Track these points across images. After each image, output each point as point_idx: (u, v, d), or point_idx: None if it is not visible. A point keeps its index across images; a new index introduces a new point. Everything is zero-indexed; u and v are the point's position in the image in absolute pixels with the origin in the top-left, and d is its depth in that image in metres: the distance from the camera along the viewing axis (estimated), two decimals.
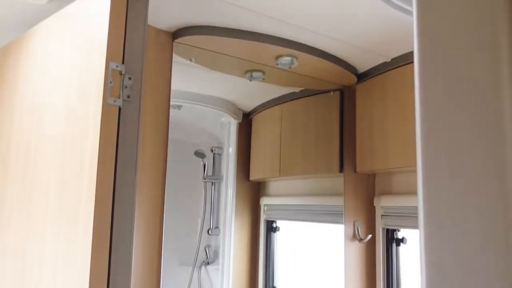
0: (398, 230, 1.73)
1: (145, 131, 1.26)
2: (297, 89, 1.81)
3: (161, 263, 1.56)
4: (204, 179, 2.17)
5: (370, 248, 1.86)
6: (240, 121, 2.08)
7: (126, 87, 0.84)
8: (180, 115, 2.01)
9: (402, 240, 1.67)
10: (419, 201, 0.46)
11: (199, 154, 2.15)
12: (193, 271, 2.10)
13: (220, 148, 2.18)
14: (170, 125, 1.34)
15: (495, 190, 0.41)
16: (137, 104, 0.84)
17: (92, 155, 0.80)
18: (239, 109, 2.06)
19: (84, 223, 0.75)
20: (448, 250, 0.43)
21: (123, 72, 0.83)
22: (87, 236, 0.74)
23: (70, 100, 0.88)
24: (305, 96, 1.83)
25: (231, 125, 2.10)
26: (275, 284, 2.01)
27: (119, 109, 0.83)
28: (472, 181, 0.42)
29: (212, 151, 2.18)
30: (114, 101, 0.81)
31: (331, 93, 1.70)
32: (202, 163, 2.16)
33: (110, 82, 0.80)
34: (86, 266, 0.72)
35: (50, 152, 0.92)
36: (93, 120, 0.81)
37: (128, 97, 0.84)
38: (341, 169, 1.77)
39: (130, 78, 0.83)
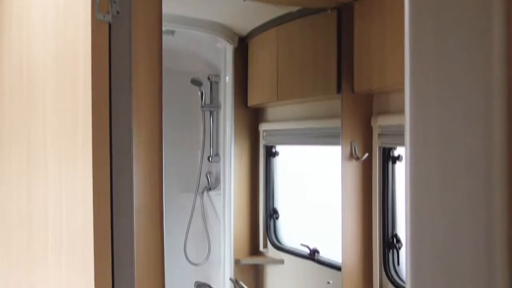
0: (395, 148, 1.75)
1: (138, 56, 1.23)
2: (293, 9, 1.74)
3: (162, 189, 1.60)
4: (202, 107, 2.17)
5: (367, 167, 1.90)
6: (236, 46, 2.03)
7: (115, 2, 0.81)
8: (174, 41, 1.96)
9: (398, 157, 1.70)
10: (406, 118, 0.46)
11: (196, 82, 2.12)
12: (195, 197, 2.16)
13: (217, 75, 2.15)
14: (164, 53, 1.30)
15: (480, 110, 0.41)
16: (127, 20, 0.82)
17: (85, 76, 0.79)
18: (235, 33, 2.00)
19: (83, 146, 0.76)
20: (433, 165, 0.44)
21: None
22: (87, 159, 0.75)
23: (58, 17, 0.85)
24: (301, 16, 1.77)
25: (227, 51, 2.06)
26: (275, 206, 2.08)
27: (109, 25, 0.80)
28: (458, 102, 0.42)
29: (209, 79, 2.15)
30: (104, 17, 0.79)
31: (329, 11, 1.64)
32: (199, 91, 2.15)
33: None
34: (88, 184, 0.74)
35: (43, 76, 0.91)
36: (84, 37, 0.79)
37: (118, 12, 0.81)
38: (339, 90, 1.75)
39: None
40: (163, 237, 1.52)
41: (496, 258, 0.44)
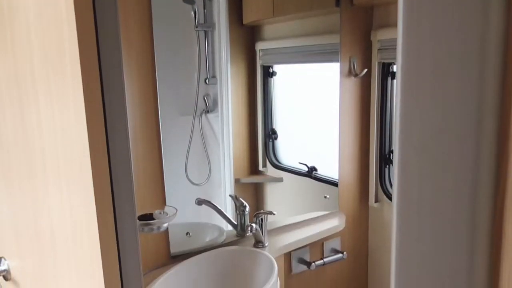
0: (394, 64, 1.72)
1: None
2: None
3: (158, 114, 1.60)
4: (196, 27, 2.08)
5: (365, 84, 1.89)
6: None
7: None
8: None
9: None
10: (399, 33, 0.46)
11: (188, 1, 2.02)
12: (194, 120, 2.16)
13: None
14: None
15: (476, 17, 0.40)
16: None
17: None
18: None
19: (70, 65, 0.73)
20: (423, 81, 0.43)
21: None
22: (76, 77, 0.72)
23: None
24: None
25: None
26: (274, 127, 2.08)
27: None
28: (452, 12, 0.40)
29: None
30: None
31: None
32: (192, 10, 2.05)
33: None
34: (80, 104, 0.72)
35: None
36: None
37: None
38: (337, 2, 1.68)
39: None
40: (161, 154, 1.55)
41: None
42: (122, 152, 0.78)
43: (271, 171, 2.08)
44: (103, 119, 0.74)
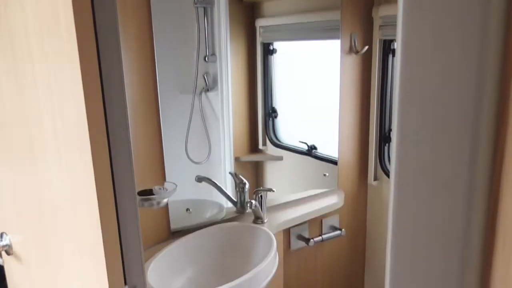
0: (395, 41, 1.70)
1: None
2: None
3: (157, 91, 1.59)
4: (195, 4, 2.05)
5: (366, 61, 1.87)
6: None
7: None
8: None
9: None
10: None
11: None
12: (193, 98, 2.15)
13: None
14: None
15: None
16: None
17: None
18: None
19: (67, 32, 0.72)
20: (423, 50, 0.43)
21: None
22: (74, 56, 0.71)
23: None
24: None
25: None
26: (274, 105, 2.08)
27: None
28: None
29: None
30: None
31: None
32: None
33: None
34: (77, 73, 0.72)
35: None
36: None
37: None
38: None
39: None
40: (160, 131, 1.55)
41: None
42: (120, 127, 0.78)
43: (271, 149, 2.08)
44: (100, 93, 0.74)
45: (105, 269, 0.79)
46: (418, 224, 0.48)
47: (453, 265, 0.49)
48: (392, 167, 0.48)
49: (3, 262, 1.17)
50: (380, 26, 1.82)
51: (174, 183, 1.42)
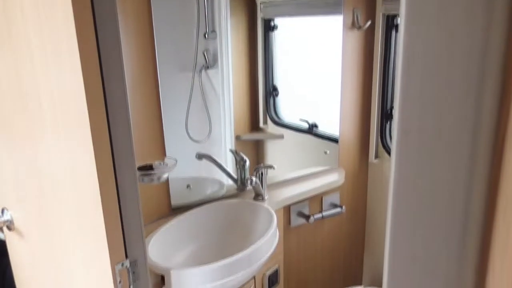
0: (398, 16, 1.67)
1: None
2: None
3: (157, 68, 1.57)
4: None
5: (369, 37, 1.84)
6: None
7: None
8: None
9: None
10: None
11: None
12: (193, 76, 2.12)
13: None
14: None
15: None
16: None
17: None
18: None
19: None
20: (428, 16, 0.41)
21: None
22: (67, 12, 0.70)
23: None
24: None
25: None
26: (275, 83, 2.06)
27: None
28: None
29: None
30: None
31: None
32: None
33: None
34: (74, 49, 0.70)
35: None
36: None
37: None
38: None
39: None
40: (160, 109, 1.54)
41: None
42: (119, 101, 0.77)
43: (271, 128, 2.07)
44: (98, 67, 0.73)
45: (106, 242, 0.79)
46: (418, 200, 0.48)
47: (453, 241, 0.49)
48: (393, 144, 0.47)
49: (4, 237, 1.18)
50: (383, 0, 1.78)
51: (174, 158, 1.42)
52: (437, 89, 0.43)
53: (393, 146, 0.46)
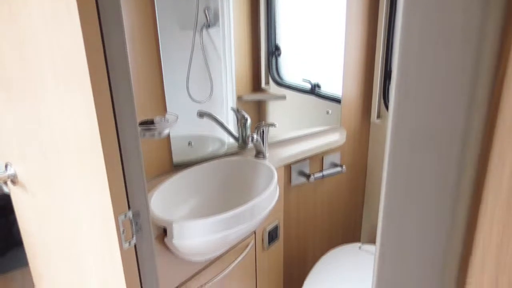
0: None
1: None
2: None
3: (157, 26, 1.54)
4: None
5: None
6: None
7: None
8: None
9: None
10: None
11: None
12: (194, 35, 2.09)
13: None
14: None
15: None
16: None
17: None
18: None
19: None
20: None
21: None
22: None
23: None
24: None
25: None
26: (277, 43, 2.02)
27: None
28: None
29: None
30: None
31: None
32: None
33: None
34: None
35: None
36: None
37: None
38: None
39: None
40: (161, 66, 1.53)
41: None
42: (119, 55, 0.77)
43: (273, 88, 2.06)
44: (97, 22, 0.72)
45: (109, 194, 0.81)
46: (413, 155, 0.48)
47: (446, 196, 0.49)
48: (391, 102, 0.47)
49: (9, 191, 1.20)
50: None
51: (175, 114, 1.42)
52: (435, 48, 0.42)
53: (391, 101, 0.46)
